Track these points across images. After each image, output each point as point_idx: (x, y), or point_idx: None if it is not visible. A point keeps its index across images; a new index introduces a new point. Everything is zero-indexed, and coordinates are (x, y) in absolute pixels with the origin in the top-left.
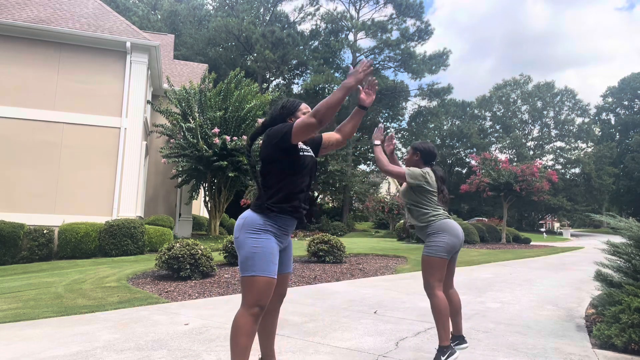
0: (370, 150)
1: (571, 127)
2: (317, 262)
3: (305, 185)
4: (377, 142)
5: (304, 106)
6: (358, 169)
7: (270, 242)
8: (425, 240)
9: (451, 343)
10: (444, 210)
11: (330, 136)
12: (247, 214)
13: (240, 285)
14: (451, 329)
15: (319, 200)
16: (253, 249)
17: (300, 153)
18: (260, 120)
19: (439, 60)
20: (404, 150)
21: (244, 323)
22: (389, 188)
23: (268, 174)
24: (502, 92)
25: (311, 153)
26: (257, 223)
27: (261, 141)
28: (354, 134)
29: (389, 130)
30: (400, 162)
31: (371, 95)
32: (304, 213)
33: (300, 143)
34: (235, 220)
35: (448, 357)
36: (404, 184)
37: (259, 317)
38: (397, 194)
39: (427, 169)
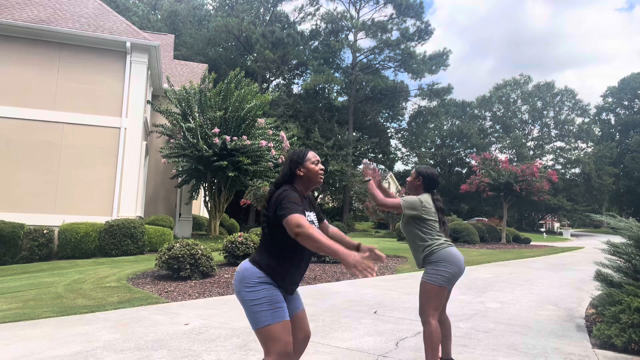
0: (370, 150)
1: (571, 127)
2: (317, 262)
3: (306, 256)
4: (367, 178)
5: (311, 155)
6: (358, 169)
7: (270, 289)
8: (426, 267)
9: None
10: (445, 238)
11: (325, 227)
12: (245, 265)
13: (259, 339)
14: (440, 354)
15: (319, 200)
16: (256, 302)
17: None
18: (261, 120)
19: (439, 60)
20: (404, 150)
21: None
22: (389, 188)
23: (270, 234)
24: (502, 92)
25: (317, 223)
26: (255, 276)
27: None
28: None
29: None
30: (391, 192)
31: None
32: (288, 287)
33: (308, 213)
34: (235, 220)
35: None
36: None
37: None
38: (397, 194)
39: (426, 197)
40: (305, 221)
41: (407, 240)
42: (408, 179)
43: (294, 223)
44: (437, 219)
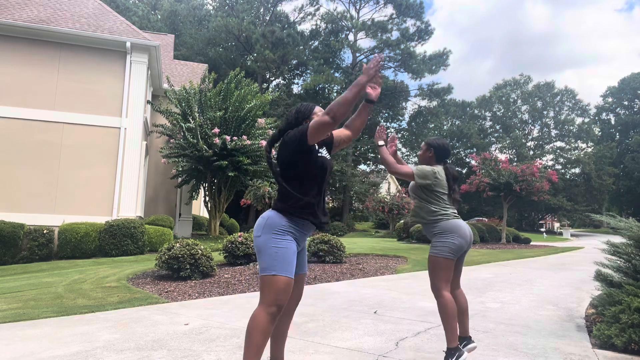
0: (370, 150)
1: (571, 127)
2: (317, 262)
3: (325, 187)
4: (381, 142)
5: (318, 109)
6: (358, 169)
7: (291, 244)
8: (432, 239)
9: (459, 344)
10: (453, 210)
11: (340, 133)
12: (270, 213)
13: (260, 284)
14: (458, 330)
15: None
16: (275, 249)
17: (319, 155)
18: (261, 120)
19: (439, 60)
20: (404, 150)
21: (262, 321)
22: (389, 188)
23: (288, 178)
24: (502, 92)
25: (328, 156)
26: (280, 224)
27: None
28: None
29: (389, 131)
30: (404, 161)
31: (377, 89)
32: (322, 220)
33: (317, 147)
34: (235, 220)
35: (457, 359)
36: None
37: (277, 317)
38: (397, 193)
39: (439, 167)
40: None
41: (414, 206)
42: (419, 152)
43: (319, 119)
44: (447, 191)
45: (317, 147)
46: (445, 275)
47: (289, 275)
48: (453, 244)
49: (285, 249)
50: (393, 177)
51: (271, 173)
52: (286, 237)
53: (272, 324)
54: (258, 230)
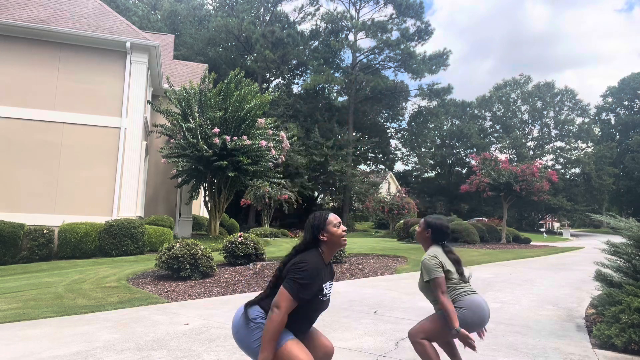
0: (370, 150)
1: (571, 127)
2: None
3: (317, 312)
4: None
5: (332, 217)
6: (358, 169)
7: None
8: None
9: None
10: (468, 287)
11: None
12: (249, 309)
13: None
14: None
15: (319, 200)
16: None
17: (319, 297)
18: (261, 120)
19: (439, 60)
20: (404, 150)
21: None
22: (389, 188)
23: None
24: (502, 92)
25: (329, 295)
26: (261, 315)
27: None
28: None
29: (389, 131)
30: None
31: None
32: (300, 332)
33: (324, 287)
34: (235, 220)
35: None
36: (420, 278)
37: None
38: (397, 194)
39: (439, 252)
40: (286, 309)
41: (430, 302)
42: (417, 228)
43: (277, 302)
44: (454, 270)
45: (323, 290)
46: (435, 336)
47: (289, 337)
48: (464, 322)
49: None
50: (393, 177)
51: (278, 279)
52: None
53: None
54: (237, 330)
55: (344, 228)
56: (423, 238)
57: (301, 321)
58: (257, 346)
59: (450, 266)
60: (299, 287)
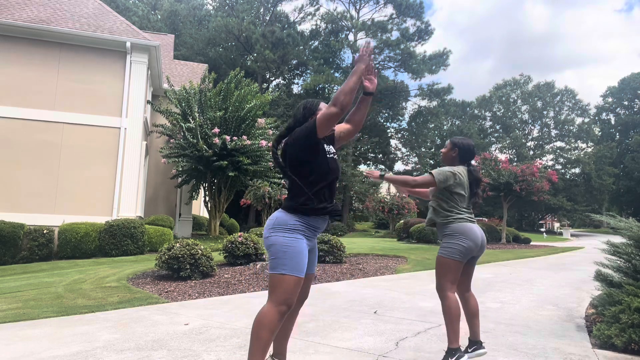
0: (370, 150)
1: (571, 127)
2: (317, 262)
3: (335, 186)
4: (378, 173)
5: (323, 104)
6: (358, 169)
7: (301, 242)
8: (442, 240)
9: (468, 348)
10: (469, 213)
11: (341, 127)
12: (278, 214)
13: (269, 282)
14: (468, 334)
15: None
16: (284, 248)
17: (328, 156)
18: (261, 120)
19: (439, 60)
20: (404, 150)
21: (270, 319)
22: (389, 188)
23: (297, 175)
24: (502, 92)
25: (335, 155)
26: (289, 222)
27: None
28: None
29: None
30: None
31: (373, 81)
32: (335, 212)
33: (326, 146)
34: (235, 220)
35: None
36: None
37: (285, 316)
38: (397, 194)
39: (461, 168)
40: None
41: (430, 205)
42: (442, 150)
43: (326, 110)
44: (467, 194)
45: (326, 147)
46: (451, 277)
47: (299, 274)
48: (461, 246)
49: (294, 247)
50: None
51: (279, 170)
52: (296, 236)
53: (280, 322)
54: (267, 231)
55: None
56: (449, 158)
57: (325, 189)
58: (270, 244)
59: (463, 189)
60: (315, 123)
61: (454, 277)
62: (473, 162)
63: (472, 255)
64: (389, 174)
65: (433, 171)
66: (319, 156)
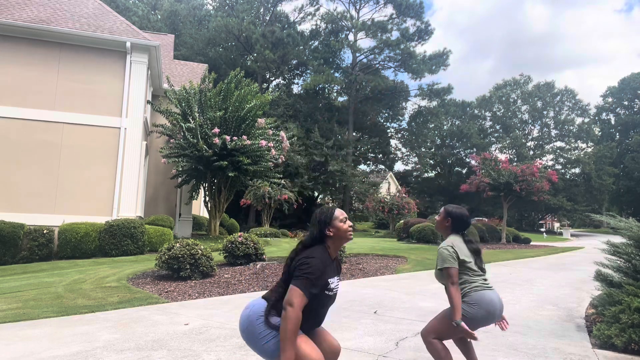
0: (370, 150)
1: (571, 127)
2: None
3: (323, 312)
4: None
5: (338, 212)
6: (358, 169)
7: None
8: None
9: None
10: (483, 279)
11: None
12: (254, 306)
13: None
14: None
15: (319, 200)
16: (270, 334)
17: (325, 292)
18: (261, 120)
19: (439, 60)
20: (404, 150)
21: None
22: (389, 188)
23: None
24: (502, 92)
25: (336, 290)
26: (262, 309)
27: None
28: None
29: (389, 131)
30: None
31: None
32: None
33: (330, 282)
34: (235, 220)
35: None
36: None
37: None
38: (397, 194)
39: (458, 241)
40: (299, 305)
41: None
42: (437, 217)
43: (289, 300)
44: (472, 260)
45: (329, 285)
46: (444, 335)
47: (299, 334)
48: (472, 316)
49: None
50: (393, 177)
51: (286, 276)
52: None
53: None
54: (245, 329)
55: (350, 224)
56: (443, 227)
57: (310, 318)
58: (264, 343)
59: (467, 256)
60: (308, 283)
61: (447, 338)
62: (474, 163)
63: (482, 326)
64: (458, 317)
65: (445, 263)
66: (317, 295)
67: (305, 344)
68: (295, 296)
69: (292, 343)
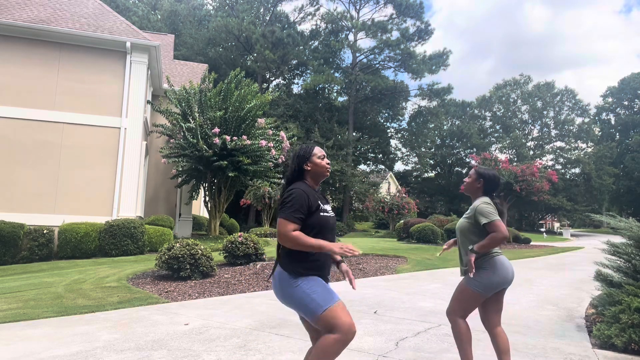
0: (370, 150)
1: (571, 127)
2: None
3: (330, 238)
4: (471, 247)
5: (317, 150)
6: (358, 169)
7: (314, 277)
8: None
9: None
10: (497, 248)
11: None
12: (281, 275)
13: (322, 325)
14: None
15: None
16: (307, 291)
17: (322, 214)
18: (261, 120)
19: (439, 60)
20: (404, 150)
21: (337, 349)
22: (389, 188)
23: None
24: (502, 92)
25: (332, 214)
26: (293, 273)
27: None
28: None
29: (389, 131)
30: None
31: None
32: (328, 272)
33: (321, 204)
34: (235, 220)
35: None
36: (464, 220)
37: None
38: (397, 194)
39: (488, 201)
40: (287, 229)
41: (459, 243)
42: (466, 179)
43: (278, 231)
44: None
45: (321, 206)
46: (466, 306)
47: (339, 299)
48: (490, 281)
49: (315, 284)
50: (393, 177)
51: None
52: (307, 277)
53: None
54: (279, 289)
55: (328, 161)
56: (474, 189)
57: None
58: (295, 287)
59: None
60: (290, 209)
61: (469, 308)
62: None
63: (498, 290)
64: (474, 249)
65: (490, 216)
66: (312, 216)
67: (342, 310)
68: (282, 225)
69: (310, 243)
